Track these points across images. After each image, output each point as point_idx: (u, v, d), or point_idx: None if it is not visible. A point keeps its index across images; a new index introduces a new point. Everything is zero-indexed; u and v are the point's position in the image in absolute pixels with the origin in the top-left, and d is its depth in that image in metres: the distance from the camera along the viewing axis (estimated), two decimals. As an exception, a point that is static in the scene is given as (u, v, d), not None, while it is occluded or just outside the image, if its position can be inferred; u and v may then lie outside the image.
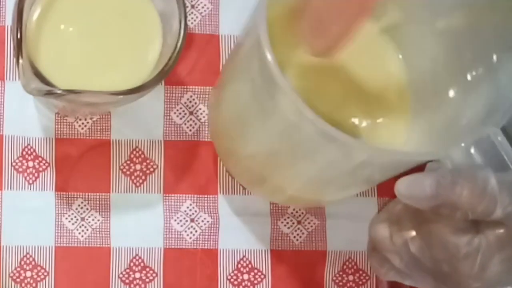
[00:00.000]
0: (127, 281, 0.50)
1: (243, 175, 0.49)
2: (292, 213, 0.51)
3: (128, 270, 0.50)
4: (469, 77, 0.40)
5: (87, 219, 0.50)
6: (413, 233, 0.38)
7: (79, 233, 0.50)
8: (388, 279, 0.44)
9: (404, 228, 0.39)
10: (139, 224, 0.50)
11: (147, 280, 0.50)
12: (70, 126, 0.50)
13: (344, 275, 0.51)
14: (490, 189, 0.34)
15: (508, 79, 0.37)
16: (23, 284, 0.49)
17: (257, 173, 0.46)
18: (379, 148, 0.35)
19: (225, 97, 0.45)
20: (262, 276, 0.51)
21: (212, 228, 0.51)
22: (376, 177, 0.42)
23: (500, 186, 0.34)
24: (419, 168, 0.38)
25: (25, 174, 0.50)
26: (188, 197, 0.51)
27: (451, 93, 0.42)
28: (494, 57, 0.38)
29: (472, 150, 0.36)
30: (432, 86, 0.43)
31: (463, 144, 0.36)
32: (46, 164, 0.50)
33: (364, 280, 0.52)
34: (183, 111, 0.51)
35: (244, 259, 0.51)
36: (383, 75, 0.46)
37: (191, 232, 0.50)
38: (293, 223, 0.51)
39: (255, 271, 0.51)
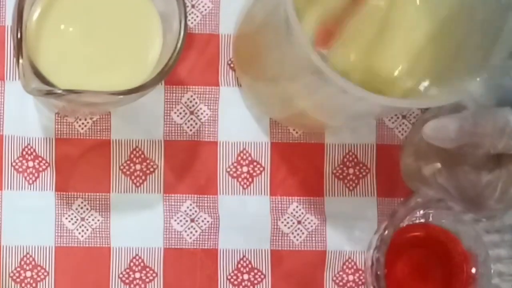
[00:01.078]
0: (127, 281, 0.50)
1: (247, 76, 0.50)
2: (292, 213, 0.51)
3: (128, 270, 0.50)
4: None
5: (87, 219, 0.50)
6: (439, 165, 0.43)
7: (79, 233, 0.50)
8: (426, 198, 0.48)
9: (430, 161, 0.43)
10: (139, 224, 0.50)
11: (147, 280, 0.50)
12: (70, 126, 0.50)
13: (344, 275, 0.51)
14: (509, 128, 0.38)
15: None
16: (23, 284, 0.49)
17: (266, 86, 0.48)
18: (400, 100, 0.37)
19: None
20: (262, 276, 0.51)
21: (212, 228, 0.51)
22: (388, 112, 0.46)
23: None
24: None
25: (25, 174, 0.50)
26: (188, 197, 0.51)
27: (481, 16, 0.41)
28: None
29: (489, 83, 0.38)
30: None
31: (478, 79, 0.37)
32: (46, 164, 0.50)
33: (364, 280, 0.52)
34: (184, 111, 0.51)
35: (244, 259, 0.51)
36: None
37: (191, 232, 0.50)
38: (293, 223, 0.51)
39: (255, 271, 0.51)
